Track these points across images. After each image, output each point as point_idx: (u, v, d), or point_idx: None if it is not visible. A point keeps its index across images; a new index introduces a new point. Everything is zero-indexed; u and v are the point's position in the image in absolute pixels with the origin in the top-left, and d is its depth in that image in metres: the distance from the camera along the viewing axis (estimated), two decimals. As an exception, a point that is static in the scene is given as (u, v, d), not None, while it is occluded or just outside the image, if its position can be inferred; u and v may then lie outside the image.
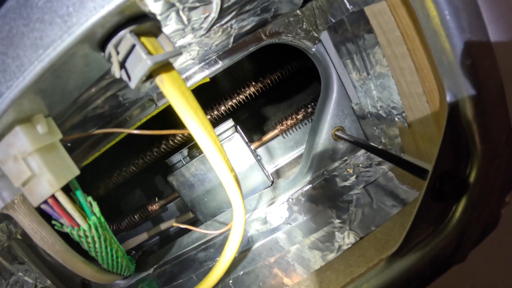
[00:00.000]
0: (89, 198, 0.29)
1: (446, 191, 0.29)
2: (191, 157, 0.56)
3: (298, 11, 0.44)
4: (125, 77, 0.21)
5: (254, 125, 0.68)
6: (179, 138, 0.58)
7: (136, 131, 0.35)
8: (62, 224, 0.28)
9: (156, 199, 0.63)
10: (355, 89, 0.44)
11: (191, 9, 0.25)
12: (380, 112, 0.41)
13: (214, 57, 0.42)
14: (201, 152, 0.55)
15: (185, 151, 0.58)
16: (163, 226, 0.57)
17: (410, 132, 0.38)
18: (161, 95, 0.43)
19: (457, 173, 0.29)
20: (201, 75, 0.44)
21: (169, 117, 0.42)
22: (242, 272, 0.38)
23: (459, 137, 0.28)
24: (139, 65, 0.20)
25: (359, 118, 0.47)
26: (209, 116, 0.58)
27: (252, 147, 0.57)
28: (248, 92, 0.57)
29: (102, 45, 0.21)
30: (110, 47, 0.21)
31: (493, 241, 0.35)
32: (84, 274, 0.36)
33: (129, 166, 0.60)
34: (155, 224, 0.63)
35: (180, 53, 0.22)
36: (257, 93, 0.58)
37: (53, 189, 0.25)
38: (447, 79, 0.26)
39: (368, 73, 0.39)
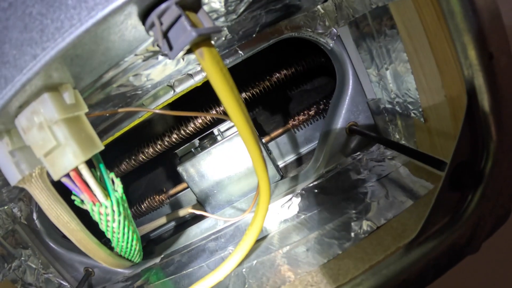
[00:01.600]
0: (112, 175, 0.29)
1: (462, 181, 0.30)
2: (202, 148, 0.56)
3: (319, 7, 0.45)
4: (166, 48, 0.22)
5: (265, 119, 0.69)
6: (191, 129, 0.58)
7: (159, 111, 0.35)
8: (82, 200, 0.28)
9: (164, 189, 0.63)
10: (371, 84, 0.45)
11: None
12: (396, 107, 0.42)
13: (235, 46, 0.43)
14: (212, 144, 0.56)
15: (196, 142, 0.58)
16: (179, 213, 0.57)
17: (426, 128, 0.39)
18: (180, 82, 0.44)
19: (474, 164, 0.30)
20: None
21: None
22: (255, 261, 0.39)
23: (476, 129, 0.29)
24: (183, 36, 0.21)
25: (374, 114, 0.48)
26: (222, 108, 0.58)
27: (264, 140, 0.57)
28: (262, 86, 0.58)
29: (144, 15, 0.22)
30: (153, 17, 0.21)
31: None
32: (96, 256, 0.36)
33: (138, 155, 0.60)
34: (162, 215, 0.63)
35: (221, 30, 0.23)
36: (270, 87, 0.59)
37: (78, 161, 0.25)
38: (467, 72, 0.27)
39: (387, 69, 0.40)
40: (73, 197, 0.28)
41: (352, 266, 0.32)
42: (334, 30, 0.46)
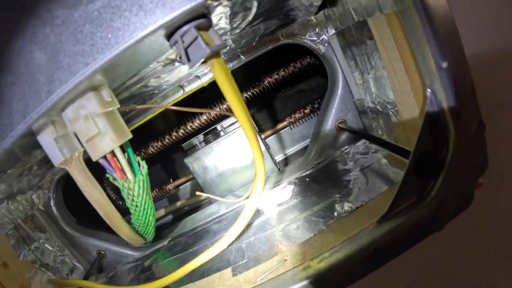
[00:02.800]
0: (138, 158, 0.37)
1: (426, 169, 0.38)
2: (206, 142, 0.64)
3: (312, 17, 0.53)
4: (185, 60, 0.30)
5: (265, 117, 0.77)
6: (197, 124, 0.66)
7: (172, 107, 0.43)
8: (114, 178, 0.36)
9: (171, 180, 0.71)
10: (357, 86, 0.53)
11: (236, 13, 0.33)
12: (378, 107, 0.50)
13: (238, 52, 0.50)
14: (216, 138, 0.63)
15: (201, 137, 0.66)
16: (189, 200, 0.65)
17: (401, 124, 0.46)
18: (189, 82, 0.52)
19: (436, 154, 0.38)
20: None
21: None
22: (253, 237, 0.46)
23: (437, 125, 0.37)
24: (199, 52, 0.29)
25: (360, 112, 0.56)
26: (225, 106, 0.66)
27: (262, 136, 0.65)
28: (261, 86, 0.66)
29: (169, 35, 0.30)
30: (177, 37, 0.29)
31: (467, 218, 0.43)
32: (118, 228, 0.44)
33: (147, 148, 0.68)
34: (165, 205, 0.71)
35: (226, 46, 0.30)
36: (269, 87, 0.67)
37: (115, 145, 0.33)
38: (427, 78, 0.35)
39: (368, 73, 0.48)
40: (107, 175, 0.35)
41: (333, 238, 0.39)
42: (325, 37, 0.54)
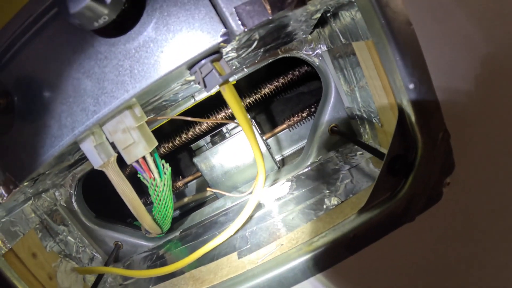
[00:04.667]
0: (162, 161, 0.48)
1: (398, 169, 0.48)
2: (213, 143, 0.75)
3: (308, 35, 0.63)
4: (203, 86, 0.40)
5: (266, 119, 0.88)
6: (204, 127, 0.77)
7: (189, 118, 0.54)
8: (144, 178, 0.47)
9: (180, 177, 0.82)
10: (346, 96, 0.63)
11: (241, 47, 0.44)
12: (364, 115, 0.60)
13: (242, 67, 0.61)
14: (222, 139, 0.74)
15: (208, 138, 0.78)
16: (201, 194, 0.77)
17: (383, 130, 0.57)
18: (199, 93, 0.63)
19: (406, 156, 0.48)
20: (231, 79, 0.64)
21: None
22: (255, 227, 0.57)
23: (407, 133, 0.47)
24: (214, 80, 0.39)
25: (350, 119, 0.66)
26: (229, 111, 0.77)
27: (264, 137, 0.76)
28: (263, 92, 0.77)
29: (190, 67, 0.40)
30: (196, 68, 0.40)
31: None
32: (144, 219, 0.55)
33: (159, 149, 0.79)
34: (178, 199, 0.83)
35: (234, 73, 0.41)
36: (270, 94, 0.78)
37: (146, 151, 0.44)
38: (397, 97, 0.45)
39: (355, 86, 0.58)
40: (138, 175, 0.46)
41: (322, 226, 0.50)
42: (319, 51, 0.64)
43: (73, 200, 0.76)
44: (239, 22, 0.34)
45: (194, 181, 0.87)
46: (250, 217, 0.60)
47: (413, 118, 0.45)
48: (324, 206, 0.53)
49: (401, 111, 0.46)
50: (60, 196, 0.76)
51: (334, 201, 0.53)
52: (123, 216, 0.82)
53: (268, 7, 0.32)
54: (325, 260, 0.47)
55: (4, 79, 0.42)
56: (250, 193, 0.66)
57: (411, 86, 0.44)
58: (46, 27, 0.39)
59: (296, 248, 0.48)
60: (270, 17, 0.33)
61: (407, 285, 0.57)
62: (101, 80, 0.41)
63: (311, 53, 0.64)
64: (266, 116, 0.90)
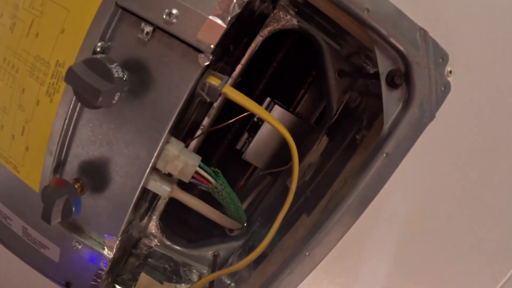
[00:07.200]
0: (212, 168, 0.61)
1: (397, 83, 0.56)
2: (252, 135, 0.90)
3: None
4: (207, 98, 0.53)
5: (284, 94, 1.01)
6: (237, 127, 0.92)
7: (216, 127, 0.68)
8: (204, 187, 0.61)
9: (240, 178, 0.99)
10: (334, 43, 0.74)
11: (222, 54, 0.56)
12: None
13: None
14: (257, 129, 0.89)
15: (245, 134, 0.92)
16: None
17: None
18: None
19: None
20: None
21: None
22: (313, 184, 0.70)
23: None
24: (215, 92, 0.51)
25: (348, 57, 0.76)
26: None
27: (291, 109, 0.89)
28: (268, 75, 0.90)
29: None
30: (199, 90, 0.52)
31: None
32: (222, 220, 0.67)
33: (211, 163, 0.95)
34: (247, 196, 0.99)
35: (228, 79, 0.53)
36: (276, 72, 0.90)
37: (194, 168, 0.57)
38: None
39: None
40: (199, 187, 0.61)
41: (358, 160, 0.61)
42: (290, 16, 0.75)
43: (163, 238, 0.93)
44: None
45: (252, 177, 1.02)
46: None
47: (384, 32, 0.50)
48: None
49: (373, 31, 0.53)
50: (152, 239, 0.93)
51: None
52: (208, 230, 1.00)
53: (219, 21, 0.45)
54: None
55: (72, 170, 0.57)
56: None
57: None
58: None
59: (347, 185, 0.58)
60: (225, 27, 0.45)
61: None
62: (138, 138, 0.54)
63: (287, 22, 0.75)
64: (283, 91, 1.02)
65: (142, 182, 0.55)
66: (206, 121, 0.79)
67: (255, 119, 0.91)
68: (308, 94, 0.95)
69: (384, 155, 0.53)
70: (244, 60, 0.75)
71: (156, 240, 0.94)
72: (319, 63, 0.81)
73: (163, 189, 0.60)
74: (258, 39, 0.75)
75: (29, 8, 0.54)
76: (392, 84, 0.56)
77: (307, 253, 0.58)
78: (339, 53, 0.77)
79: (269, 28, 0.76)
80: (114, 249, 0.63)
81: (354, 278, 0.65)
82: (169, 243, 0.93)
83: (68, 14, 0.52)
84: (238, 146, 0.93)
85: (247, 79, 0.95)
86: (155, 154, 0.52)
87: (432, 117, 0.55)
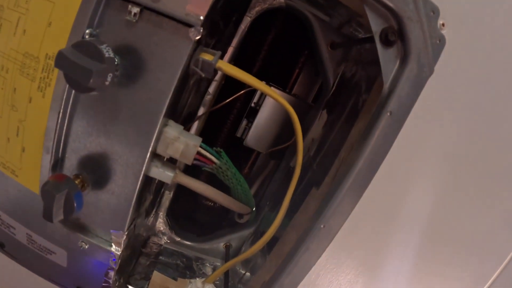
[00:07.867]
0: (214, 148, 0.61)
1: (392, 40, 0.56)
2: (250, 121, 0.89)
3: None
4: (201, 73, 0.52)
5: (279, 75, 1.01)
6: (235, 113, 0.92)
7: (215, 107, 0.67)
8: (208, 168, 0.60)
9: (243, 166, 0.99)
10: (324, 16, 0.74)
11: (212, 33, 0.56)
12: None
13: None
14: (255, 115, 0.88)
15: (244, 121, 0.92)
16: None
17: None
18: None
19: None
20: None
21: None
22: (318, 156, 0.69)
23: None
24: (209, 67, 0.51)
25: (339, 28, 0.76)
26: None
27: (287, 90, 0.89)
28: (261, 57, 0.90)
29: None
30: (192, 67, 0.52)
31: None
32: (230, 204, 0.67)
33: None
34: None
35: (221, 53, 0.53)
36: (270, 54, 0.90)
37: (196, 149, 0.56)
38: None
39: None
40: (203, 168, 0.60)
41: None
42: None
43: (172, 234, 0.92)
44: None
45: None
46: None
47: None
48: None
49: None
50: (161, 236, 0.93)
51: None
52: (217, 223, 0.99)
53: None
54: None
55: (70, 166, 0.57)
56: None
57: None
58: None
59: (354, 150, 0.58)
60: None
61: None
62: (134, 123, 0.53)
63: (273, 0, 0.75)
64: (277, 74, 1.01)
65: (144, 168, 0.54)
66: (202, 110, 0.79)
67: (252, 104, 0.91)
68: (303, 74, 0.95)
69: (388, 113, 0.53)
70: (235, 43, 0.75)
71: (165, 238, 0.93)
72: (310, 38, 0.81)
73: (166, 175, 0.59)
74: (247, 20, 0.75)
75: (14, 7, 0.54)
76: (386, 41, 0.55)
77: (322, 226, 0.56)
78: (329, 25, 0.77)
79: (256, 9, 0.75)
80: (122, 245, 0.62)
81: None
82: (178, 239, 0.92)
83: (54, 7, 0.52)
84: (238, 134, 0.93)
85: (240, 65, 0.96)
86: (154, 137, 0.52)
87: (431, 71, 0.55)
